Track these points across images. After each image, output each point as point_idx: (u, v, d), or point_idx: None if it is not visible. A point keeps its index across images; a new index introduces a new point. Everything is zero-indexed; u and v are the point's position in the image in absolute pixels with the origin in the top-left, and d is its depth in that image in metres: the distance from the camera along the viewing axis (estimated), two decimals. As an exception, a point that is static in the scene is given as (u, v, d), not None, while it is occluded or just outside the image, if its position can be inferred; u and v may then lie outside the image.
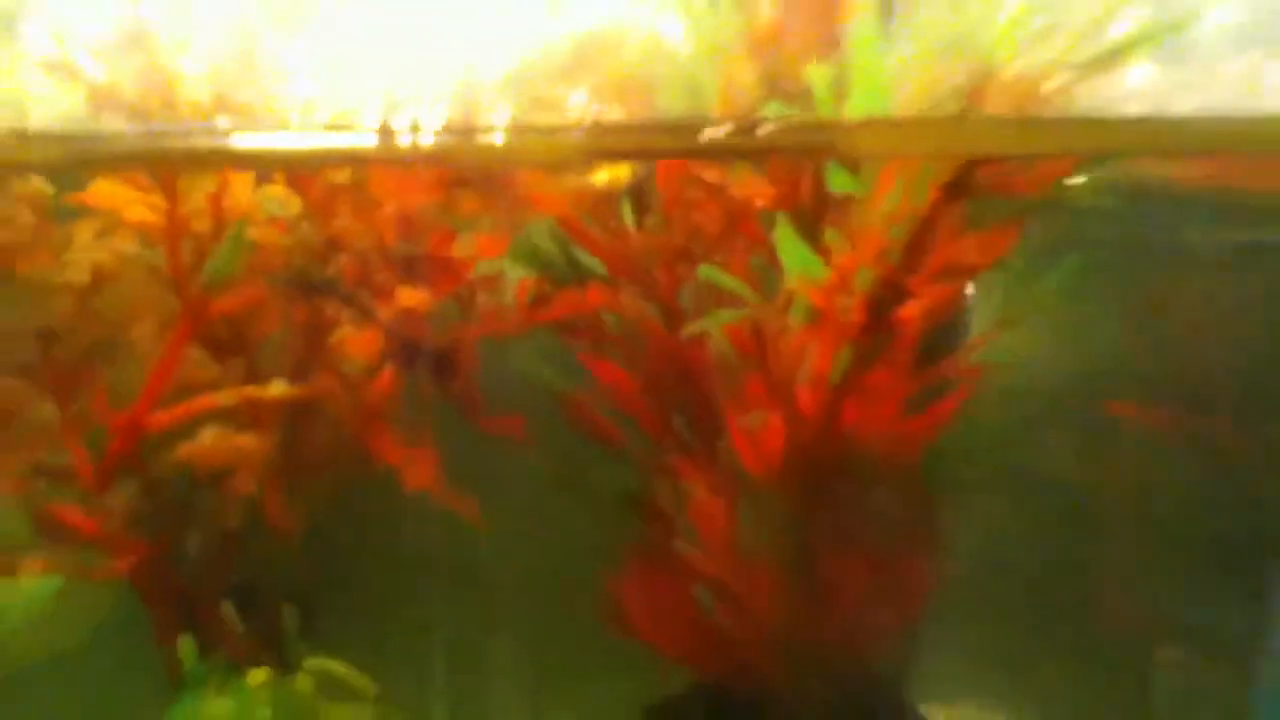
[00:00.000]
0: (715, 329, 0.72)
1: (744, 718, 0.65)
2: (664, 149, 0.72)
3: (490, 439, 0.69)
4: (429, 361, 0.58)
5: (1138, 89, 0.78)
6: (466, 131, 0.58)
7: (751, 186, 0.75)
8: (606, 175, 0.77)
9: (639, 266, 0.79)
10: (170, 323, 0.57)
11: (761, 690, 0.66)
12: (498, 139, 0.60)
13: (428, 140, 0.53)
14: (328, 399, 0.59)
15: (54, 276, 0.56)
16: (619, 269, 0.79)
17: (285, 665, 0.66)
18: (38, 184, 0.59)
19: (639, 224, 0.83)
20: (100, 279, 0.58)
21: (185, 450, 0.55)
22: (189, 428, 0.58)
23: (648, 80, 0.73)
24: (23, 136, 0.58)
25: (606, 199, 0.81)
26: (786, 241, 0.68)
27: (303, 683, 0.64)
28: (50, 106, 0.60)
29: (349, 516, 0.66)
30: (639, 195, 0.81)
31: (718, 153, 0.69)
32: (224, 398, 0.55)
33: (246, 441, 0.55)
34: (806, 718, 0.65)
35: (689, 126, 0.65)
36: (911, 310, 0.69)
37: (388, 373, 0.61)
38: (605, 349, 0.76)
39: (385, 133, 0.47)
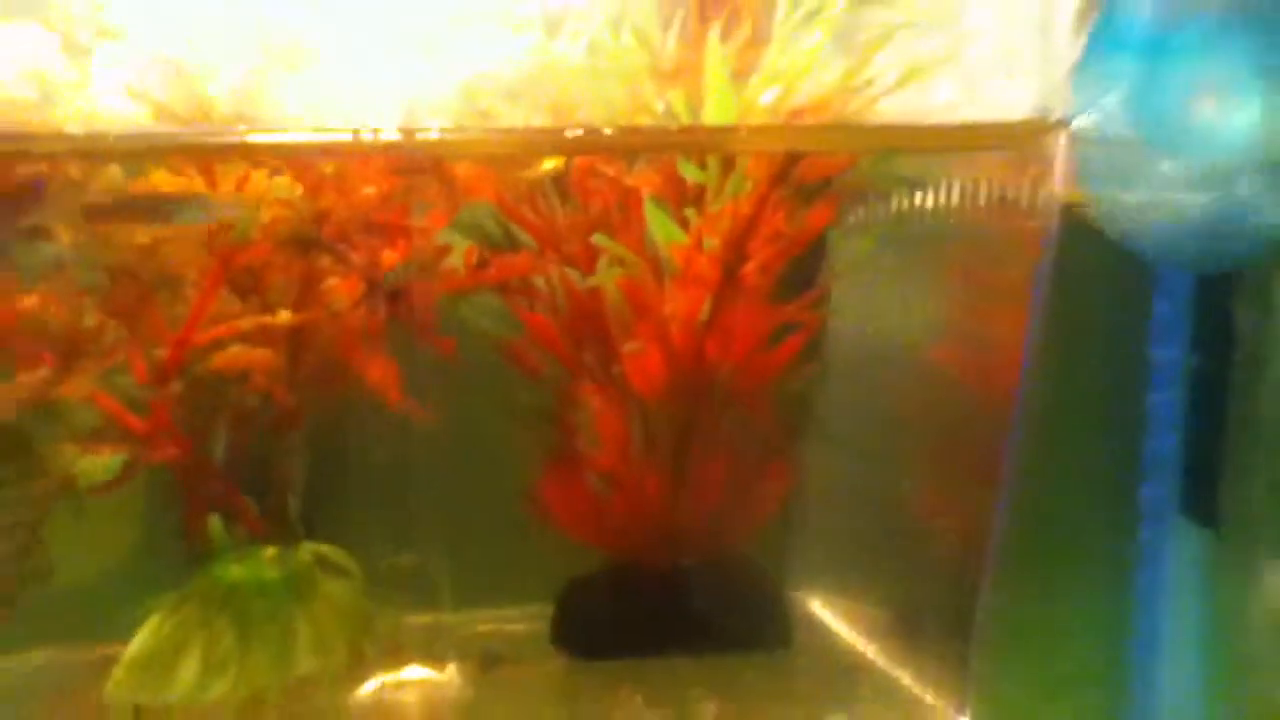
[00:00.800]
0: (609, 283, 0.91)
1: (636, 587, 0.83)
2: (576, 148, 0.91)
3: (444, 370, 0.88)
4: (393, 296, 0.77)
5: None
6: (423, 131, 0.76)
7: (640, 177, 0.96)
8: (547, 165, 0.96)
9: (559, 238, 0.99)
10: (207, 271, 0.77)
11: (649, 566, 0.84)
12: (451, 136, 0.79)
13: (391, 138, 0.73)
14: (320, 326, 0.78)
15: (127, 237, 0.76)
16: (544, 240, 0.99)
17: (288, 544, 0.85)
18: (114, 171, 0.80)
19: (560, 205, 1.03)
20: (158, 239, 0.79)
21: (219, 359, 0.74)
22: (221, 345, 0.79)
23: (572, 98, 0.92)
24: (102, 137, 0.78)
25: (536, 186, 1.01)
26: (654, 217, 0.88)
27: (303, 555, 0.81)
28: (116, 117, 0.80)
29: (336, 423, 0.85)
30: (560, 184, 1.02)
31: (613, 150, 0.89)
32: (245, 323, 0.75)
33: (261, 353, 0.74)
34: (681, 586, 0.83)
35: (593, 132, 0.84)
36: (750, 268, 0.88)
37: (363, 309, 0.81)
38: (532, 302, 0.96)
39: (356, 133, 0.67)
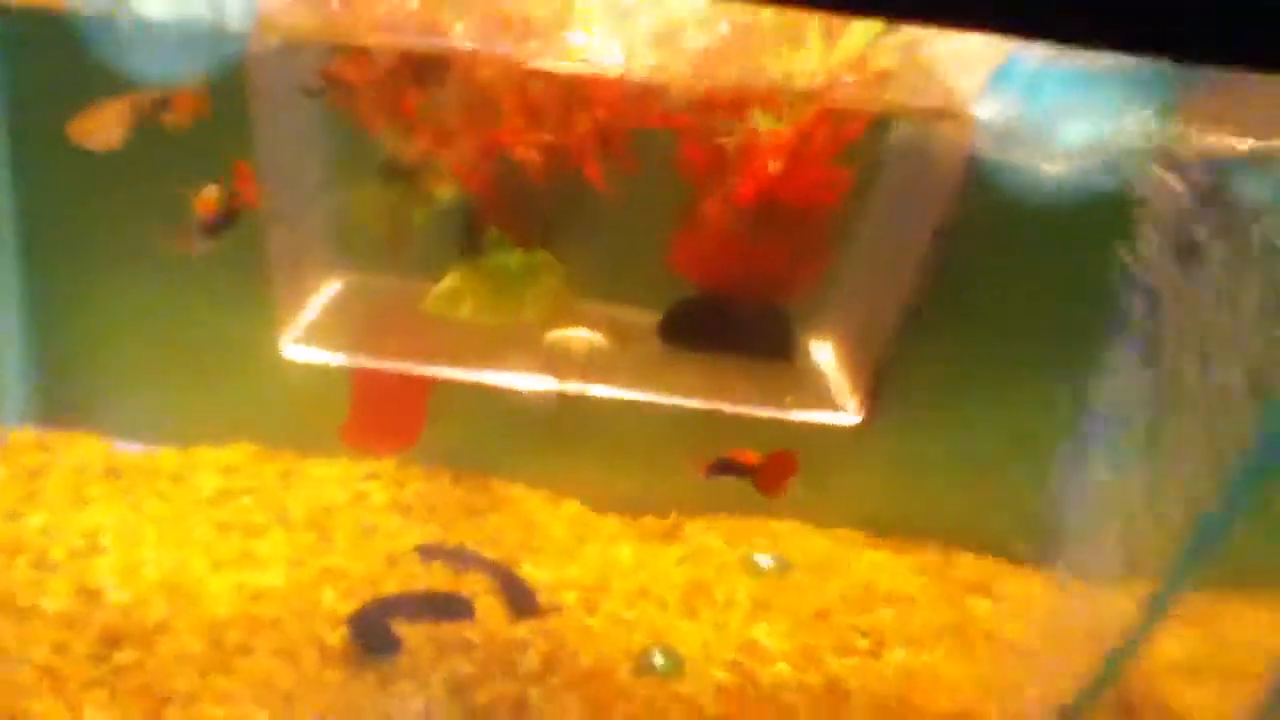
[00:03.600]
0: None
1: (714, 314, 1.09)
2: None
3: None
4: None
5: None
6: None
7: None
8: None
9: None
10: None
11: (723, 300, 1.07)
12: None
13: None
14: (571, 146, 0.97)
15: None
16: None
17: (529, 249, 1.09)
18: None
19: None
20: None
21: (519, 151, 0.94)
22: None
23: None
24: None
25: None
26: (762, 119, 1.03)
27: (536, 256, 1.06)
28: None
29: (570, 193, 1.04)
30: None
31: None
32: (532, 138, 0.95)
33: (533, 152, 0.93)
34: (738, 315, 1.07)
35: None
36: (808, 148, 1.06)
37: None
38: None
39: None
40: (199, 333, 1.24)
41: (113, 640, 1.01)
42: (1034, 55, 0.66)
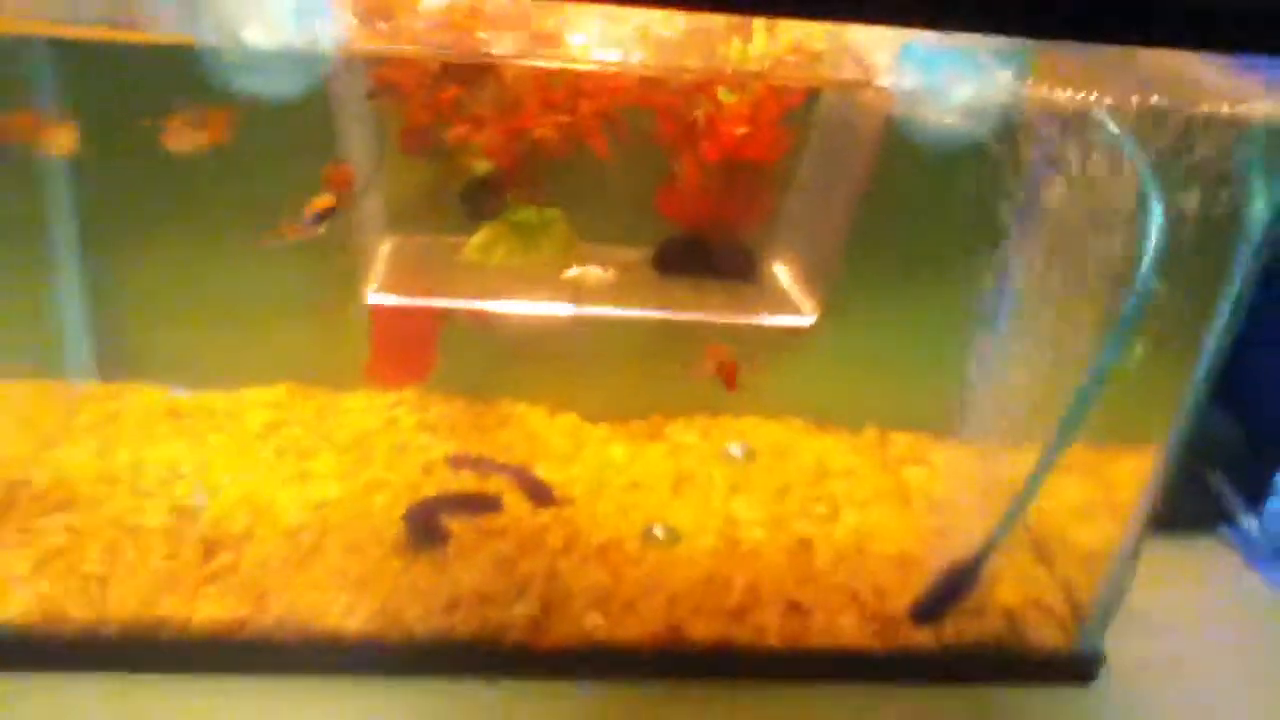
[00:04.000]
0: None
1: (694, 245, 1.31)
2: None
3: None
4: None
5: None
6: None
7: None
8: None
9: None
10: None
11: (702, 237, 1.29)
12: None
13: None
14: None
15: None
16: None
17: (543, 208, 1.30)
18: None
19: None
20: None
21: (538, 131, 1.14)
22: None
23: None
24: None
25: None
26: (724, 94, 1.24)
27: (548, 213, 1.26)
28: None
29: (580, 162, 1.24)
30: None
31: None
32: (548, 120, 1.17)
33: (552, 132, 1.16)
34: (713, 248, 1.30)
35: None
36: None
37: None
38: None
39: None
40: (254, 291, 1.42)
41: (209, 548, 1.22)
42: (929, 37, 0.88)
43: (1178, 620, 1.40)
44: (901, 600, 1.26)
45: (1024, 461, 1.25)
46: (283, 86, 0.85)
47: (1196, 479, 1.62)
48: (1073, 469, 1.29)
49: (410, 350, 1.46)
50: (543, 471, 1.41)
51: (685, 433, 1.56)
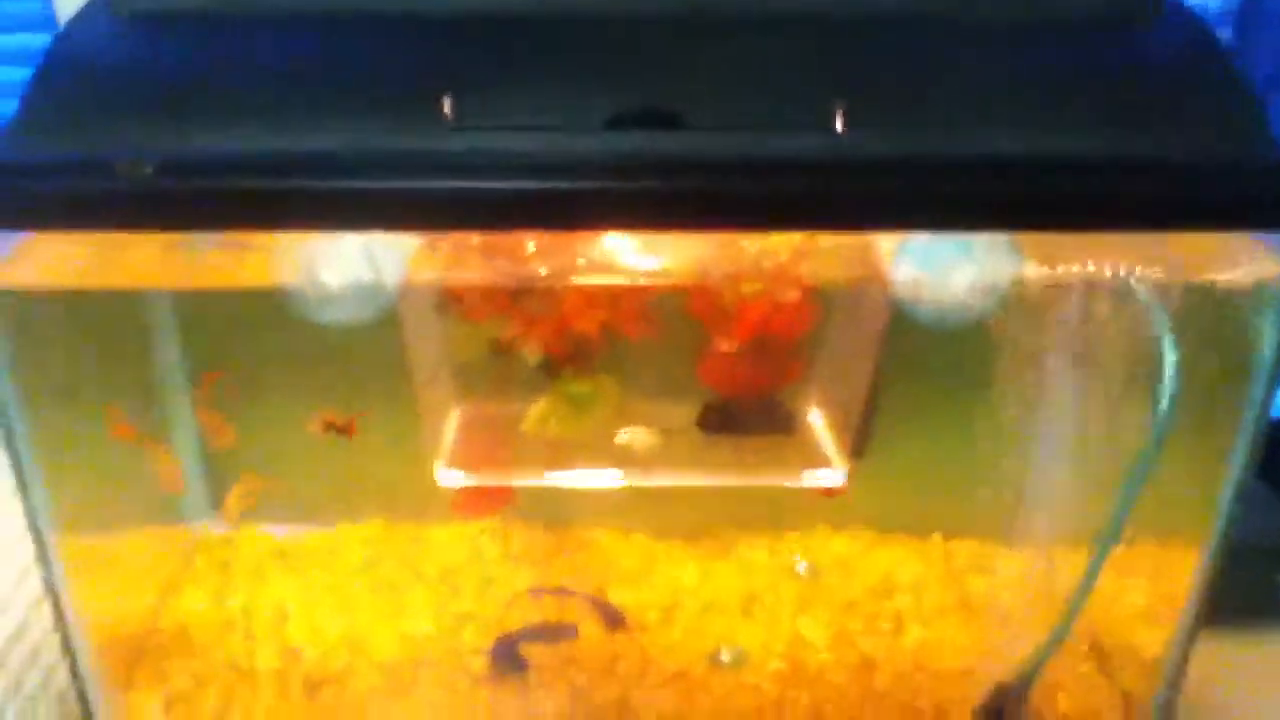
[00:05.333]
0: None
1: (733, 408, 1.40)
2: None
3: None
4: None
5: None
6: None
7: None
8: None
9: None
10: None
11: (739, 400, 1.38)
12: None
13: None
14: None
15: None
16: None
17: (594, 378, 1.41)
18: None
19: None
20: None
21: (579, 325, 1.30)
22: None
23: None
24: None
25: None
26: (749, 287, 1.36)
27: (600, 384, 1.37)
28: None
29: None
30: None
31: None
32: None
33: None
34: (751, 409, 1.38)
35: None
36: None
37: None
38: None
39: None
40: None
41: (314, 685, 1.34)
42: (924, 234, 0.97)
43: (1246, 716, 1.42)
44: (963, 714, 1.31)
45: (1078, 565, 1.30)
46: (360, 312, 0.99)
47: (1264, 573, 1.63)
48: (1135, 572, 1.33)
49: (496, 439, 1.58)
50: (616, 595, 1.50)
51: (753, 549, 1.64)
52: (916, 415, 1.47)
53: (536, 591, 1.51)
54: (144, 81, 0.95)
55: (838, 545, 1.63)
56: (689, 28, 1.02)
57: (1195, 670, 1.33)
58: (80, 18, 1.02)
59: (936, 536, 1.65)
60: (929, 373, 1.40)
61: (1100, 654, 1.41)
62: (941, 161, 0.88)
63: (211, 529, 1.60)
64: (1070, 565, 1.31)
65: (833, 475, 1.39)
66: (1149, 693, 1.32)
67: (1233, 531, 1.24)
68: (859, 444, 1.42)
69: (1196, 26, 1.05)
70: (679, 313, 1.34)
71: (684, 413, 1.41)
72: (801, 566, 1.58)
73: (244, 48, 0.98)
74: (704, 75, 0.97)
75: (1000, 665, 1.34)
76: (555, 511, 1.66)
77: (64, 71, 0.94)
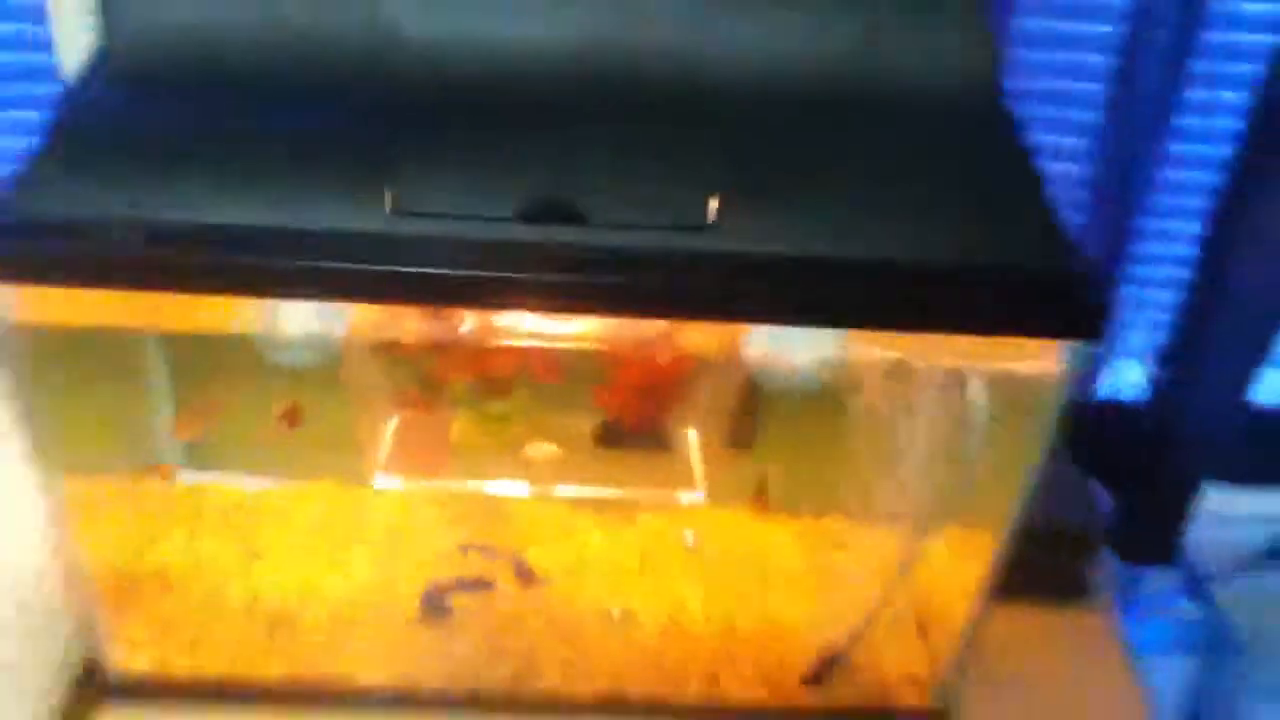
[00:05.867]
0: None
1: (621, 432, 1.71)
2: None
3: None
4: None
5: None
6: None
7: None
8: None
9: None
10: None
11: (628, 425, 1.73)
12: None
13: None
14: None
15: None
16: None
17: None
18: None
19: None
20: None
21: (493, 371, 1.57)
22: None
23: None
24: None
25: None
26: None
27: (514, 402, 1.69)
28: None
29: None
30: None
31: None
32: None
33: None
34: (638, 433, 1.73)
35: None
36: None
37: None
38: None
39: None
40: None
41: (274, 624, 1.63)
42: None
43: (1035, 683, 1.75)
44: (800, 669, 1.62)
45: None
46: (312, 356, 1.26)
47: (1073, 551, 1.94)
48: (955, 555, 1.64)
49: (426, 448, 1.84)
50: (533, 556, 1.79)
51: (653, 520, 1.93)
52: (791, 423, 1.77)
53: (464, 548, 1.79)
54: (134, 149, 1.19)
55: (721, 520, 1.93)
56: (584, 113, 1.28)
57: (1003, 639, 1.65)
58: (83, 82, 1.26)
59: (808, 516, 1.94)
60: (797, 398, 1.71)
61: (921, 623, 1.73)
62: (768, 262, 1.14)
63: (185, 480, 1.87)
64: (906, 548, 1.61)
65: (693, 495, 1.67)
66: (952, 656, 1.63)
67: (1033, 521, 1.55)
68: (741, 439, 1.70)
69: (1013, 127, 1.31)
70: (580, 360, 1.61)
71: (583, 431, 1.69)
72: (689, 537, 1.87)
73: (216, 119, 1.23)
74: (592, 171, 1.23)
75: (840, 631, 1.65)
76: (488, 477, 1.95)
77: (62, 138, 1.19)
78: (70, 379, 1.35)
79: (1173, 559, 2.37)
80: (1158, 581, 2.42)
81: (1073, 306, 1.16)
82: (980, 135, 1.34)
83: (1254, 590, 2.38)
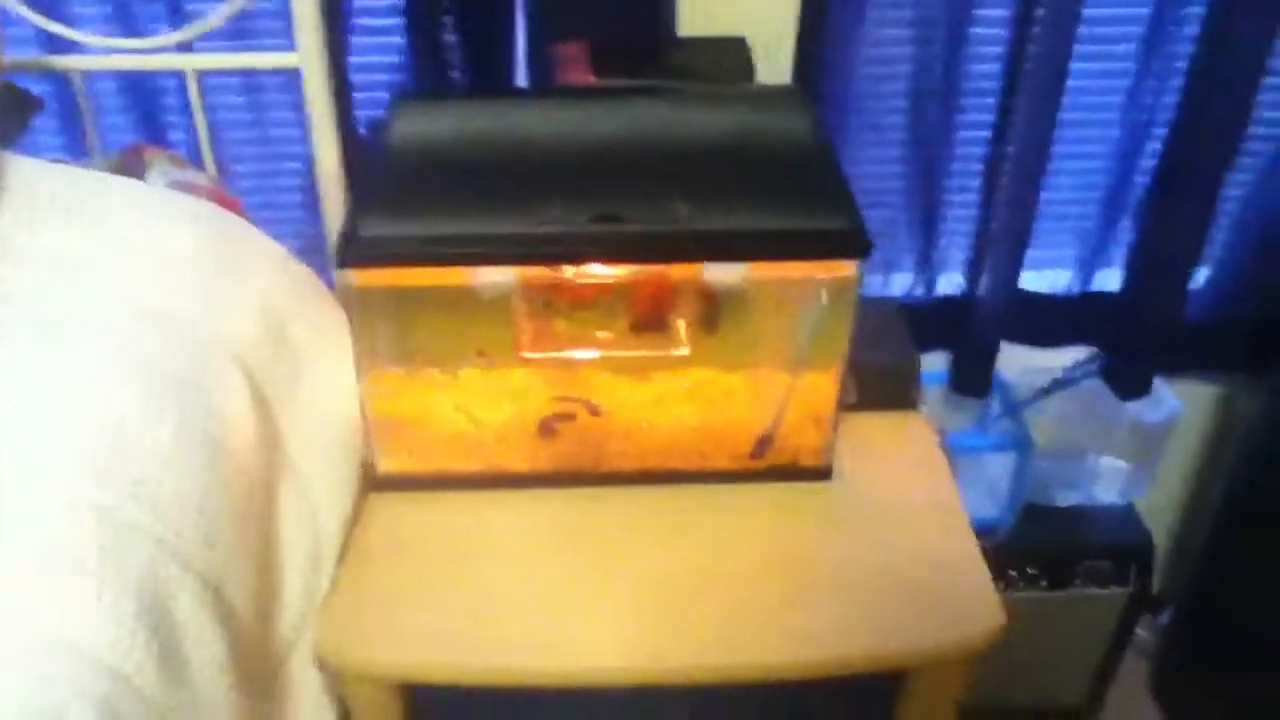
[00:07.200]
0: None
1: (645, 322, 2.34)
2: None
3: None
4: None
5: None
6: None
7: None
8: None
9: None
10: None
11: (647, 317, 2.49)
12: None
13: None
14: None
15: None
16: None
17: None
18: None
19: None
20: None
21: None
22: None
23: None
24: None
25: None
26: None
27: None
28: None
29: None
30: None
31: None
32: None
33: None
34: (653, 321, 2.44)
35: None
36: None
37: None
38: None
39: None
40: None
41: (469, 438, 2.86)
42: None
43: (880, 454, 2.88)
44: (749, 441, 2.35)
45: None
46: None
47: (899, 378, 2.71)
48: (826, 378, 2.26)
49: (548, 336, 2.53)
50: (597, 399, 2.62)
51: (661, 375, 2.79)
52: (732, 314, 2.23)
53: (560, 399, 2.65)
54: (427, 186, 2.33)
55: (696, 374, 2.74)
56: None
57: (860, 428, 2.66)
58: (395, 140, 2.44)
59: (747, 367, 2.66)
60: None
61: (812, 419, 2.72)
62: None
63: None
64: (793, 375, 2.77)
65: (681, 351, 2.25)
66: (830, 436, 2.68)
67: (872, 360, 2.65)
68: (708, 325, 2.30)
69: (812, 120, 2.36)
70: (621, 287, 2.13)
71: (624, 324, 2.27)
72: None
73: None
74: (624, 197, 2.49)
75: (767, 426, 2.86)
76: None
77: (380, 177, 2.41)
78: (384, 317, 2.14)
79: (987, 392, 3.49)
80: (983, 407, 3.70)
81: (855, 243, 2.02)
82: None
83: (1038, 410, 3.48)
